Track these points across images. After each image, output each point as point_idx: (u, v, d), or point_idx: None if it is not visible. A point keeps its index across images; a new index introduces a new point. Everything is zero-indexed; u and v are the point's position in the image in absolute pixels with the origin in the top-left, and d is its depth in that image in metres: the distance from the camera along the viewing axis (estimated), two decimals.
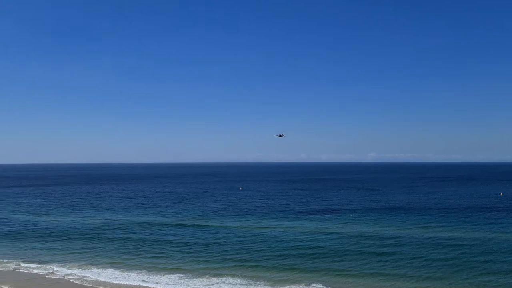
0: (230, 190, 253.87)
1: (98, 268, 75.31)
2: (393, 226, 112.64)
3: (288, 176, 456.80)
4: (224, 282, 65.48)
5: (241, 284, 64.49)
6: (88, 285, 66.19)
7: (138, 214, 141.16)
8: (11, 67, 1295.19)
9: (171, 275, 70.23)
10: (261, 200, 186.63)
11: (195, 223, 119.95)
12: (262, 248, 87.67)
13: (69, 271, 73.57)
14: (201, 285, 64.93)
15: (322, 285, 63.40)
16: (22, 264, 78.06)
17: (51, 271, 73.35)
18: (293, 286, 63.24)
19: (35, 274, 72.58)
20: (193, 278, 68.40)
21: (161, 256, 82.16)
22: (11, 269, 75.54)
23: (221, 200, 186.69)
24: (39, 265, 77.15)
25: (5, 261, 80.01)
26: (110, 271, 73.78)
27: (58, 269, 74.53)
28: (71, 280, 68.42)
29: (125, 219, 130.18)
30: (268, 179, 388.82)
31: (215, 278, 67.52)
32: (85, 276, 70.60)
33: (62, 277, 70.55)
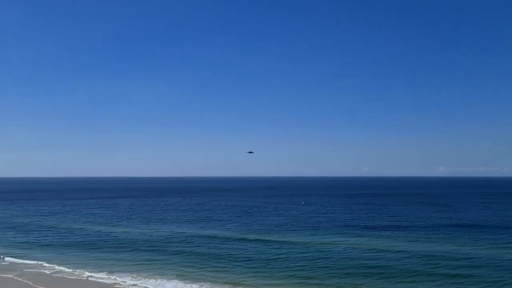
0: (292, 204, 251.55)
1: (163, 279, 77.12)
2: (467, 245, 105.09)
3: (351, 190, 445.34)
4: None
5: None
6: None
7: (202, 227, 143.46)
8: (91, 88, 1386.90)
9: None
10: (324, 215, 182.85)
11: (258, 238, 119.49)
12: (326, 265, 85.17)
13: (135, 282, 75.91)
14: None
15: None
16: (93, 274, 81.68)
17: (119, 281, 76.13)
18: None
19: (104, 283, 75.58)
20: None
21: (224, 271, 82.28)
22: (84, 278, 79.44)
23: (283, 215, 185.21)
24: (108, 275, 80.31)
25: (77, 271, 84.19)
26: (175, 282, 75.26)
27: (126, 279, 77.16)
28: None
29: (190, 231, 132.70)
30: (330, 193, 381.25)
31: None
32: (153, 286, 72.61)
33: (130, 287, 72.90)
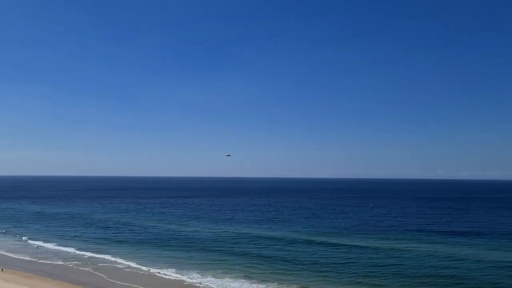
0: (361, 206, 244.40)
1: (230, 278, 77.65)
2: None
3: (424, 193, 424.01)
4: None
5: None
6: None
7: (269, 228, 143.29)
8: (168, 91, 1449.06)
9: None
10: (395, 218, 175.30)
11: (325, 240, 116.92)
12: (398, 272, 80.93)
13: (203, 279, 77.23)
14: None
15: None
16: (163, 270, 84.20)
17: (187, 278, 77.66)
18: None
19: (173, 280, 77.66)
20: None
21: (290, 273, 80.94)
22: (154, 274, 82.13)
23: (352, 217, 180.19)
24: (177, 272, 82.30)
25: (148, 267, 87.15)
26: (241, 282, 75.50)
27: (194, 276, 78.50)
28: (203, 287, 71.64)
29: (257, 232, 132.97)
30: (402, 196, 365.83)
31: None
32: (219, 285, 73.33)
33: (197, 285, 74.20)
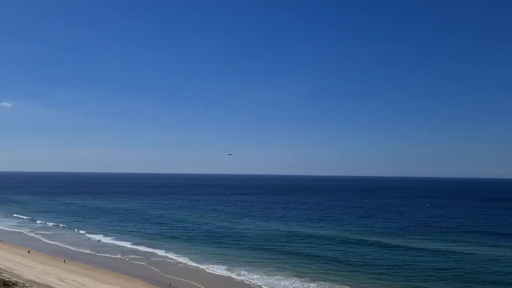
0: (416, 206, 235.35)
1: (281, 276, 76.95)
2: None
3: (485, 193, 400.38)
4: None
5: None
6: None
7: (321, 227, 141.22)
8: (226, 87, 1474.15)
9: None
10: (454, 219, 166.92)
11: (379, 241, 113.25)
12: (458, 276, 76.59)
13: (253, 276, 77.31)
14: None
15: None
16: (214, 266, 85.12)
17: (237, 276, 77.91)
18: None
19: (224, 276, 78.30)
20: None
21: (343, 274, 78.90)
22: (205, 270, 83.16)
23: (407, 217, 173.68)
24: (228, 269, 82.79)
25: (199, 263, 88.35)
26: (292, 280, 74.64)
27: (244, 273, 78.56)
28: (254, 285, 71.63)
29: (309, 231, 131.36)
30: (460, 196, 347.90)
31: None
32: (269, 283, 72.98)
33: (246, 282, 74.26)
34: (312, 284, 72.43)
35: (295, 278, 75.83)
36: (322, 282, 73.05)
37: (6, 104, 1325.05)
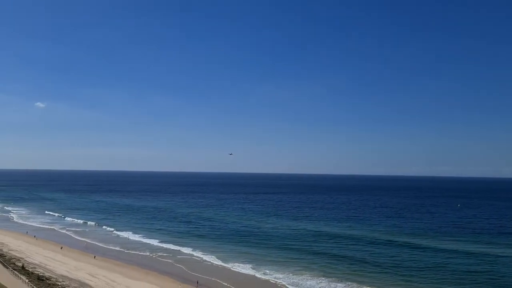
0: (447, 206, 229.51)
1: (309, 276, 76.20)
2: None
3: None
4: None
5: None
6: None
7: (349, 227, 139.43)
8: (246, 87, 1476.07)
9: None
10: (487, 220, 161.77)
11: (408, 241, 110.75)
12: (491, 280, 73.85)
13: (280, 275, 76.93)
14: None
15: None
16: (240, 265, 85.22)
17: (262, 275, 77.55)
18: None
19: (248, 275, 78.34)
20: None
21: (371, 275, 77.32)
22: (231, 268, 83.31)
23: (438, 218, 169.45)
24: (254, 268, 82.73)
25: (226, 261, 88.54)
26: (319, 280, 73.97)
27: (270, 273, 78.08)
28: (279, 285, 71.23)
29: (336, 231, 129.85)
30: (493, 196, 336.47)
31: None
32: (295, 283, 72.45)
33: (272, 281, 73.89)
34: (339, 284, 71.52)
35: (322, 278, 75.08)
36: (349, 283, 72.03)
37: (39, 104, 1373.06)
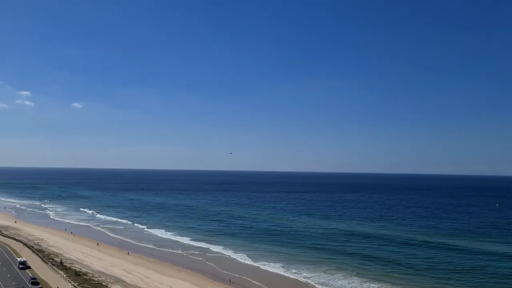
0: (485, 206, 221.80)
1: (339, 277, 75.04)
2: None
3: None
4: None
5: None
6: None
7: (382, 226, 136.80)
8: (272, 85, 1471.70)
9: None
10: None
11: (444, 242, 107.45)
12: None
13: (310, 275, 76.19)
14: None
15: None
16: (270, 264, 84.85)
17: (292, 274, 76.81)
18: None
19: (278, 275, 77.67)
20: None
21: (404, 277, 75.18)
22: (260, 267, 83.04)
23: (476, 218, 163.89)
24: (284, 267, 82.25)
25: (255, 260, 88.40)
26: (351, 280, 72.98)
27: (300, 273, 77.16)
28: (309, 285, 70.53)
29: (369, 230, 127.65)
30: None
31: None
32: (325, 283, 71.50)
33: (304, 280, 73.10)
34: (372, 285, 70.14)
35: (355, 278, 73.85)
36: (382, 284, 70.48)
37: (76, 104, 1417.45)
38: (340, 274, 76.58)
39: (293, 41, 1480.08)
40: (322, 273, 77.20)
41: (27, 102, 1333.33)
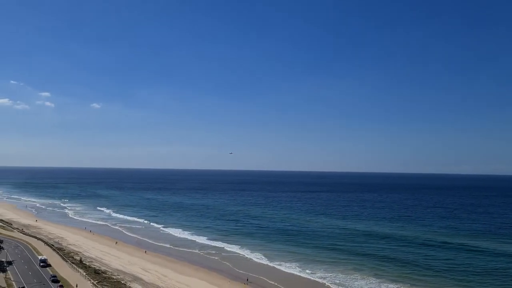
0: (507, 206, 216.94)
1: (356, 277, 74.35)
2: None
3: None
4: None
5: None
6: None
7: (400, 227, 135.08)
8: (292, 85, 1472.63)
9: None
10: None
11: (465, 243, 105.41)
12: None
13: (326, 275, 75.74)
14: None
15: None
16: (286, 264, 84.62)
17: (307, 275, 76.38)
18: None
19: (294, 275, 77.41)
20: None
21: (423, 279, 73.88)
22: (276, 267, 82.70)
23: (497, 218, 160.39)
24: (300, 267, 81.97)
25: (268, 260, 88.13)
26: (368, 281, 72.16)
27: (316, 273, 76.61)
28: (326, 285, 70.02)
29: (387, 231, 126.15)
30: None
31: None
32: (342, 283, 70.86)
33: (321, 281, 72.57)
34: (390, 286, 69.39)
35: (373, 279, 73.03)
36: (401, 285, 69.62)
37: (95, 105, 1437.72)
38: (357, 275, 75.92)
39: (309, 41, 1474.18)
40: (339, 274, 76.67)
41: (48, 103, 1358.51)
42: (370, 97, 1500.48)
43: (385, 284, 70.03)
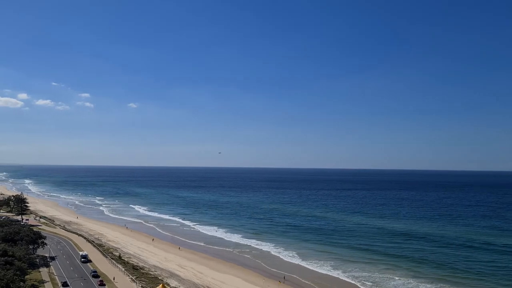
0: None
1: (390, 278, 72.45)
2: None
3: None
4: None
5: None
6: None
7: (441, 226, 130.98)
8: (328, 84, 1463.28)
9: None
10: None
11: (509, 244, 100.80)
12: None
13: (360, 275, 74.46)
14: None
15: None
16: (319, 263, 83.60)
17: (338, 275, 75.08)
18: None
19: (326, 274, 76.52)
20: None
21: (464, 283, 70.97)
22: (307, 266, 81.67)
23: None
24: (332, 266, 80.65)
25: (300, 259, 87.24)
26: (402, 281, 70.23)
27: (348, 273, 75.23)
28: (360, 285, 68.77)
29: (426, 230, 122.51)
30: None
31: None
32: (378, 283, 69.34)
33: (354, 281, 70.93)
34: (428, 285, 67.30)
35: (411, 280, 70.79)
36: (442, 284, 67.64)
37: (132, 105, 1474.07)
38: (392, 276, 73.78)
39: (346, 41, 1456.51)
40: (374, 274, 74.90)
41: (87, 104, 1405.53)
42: (409, 94, 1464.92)
43: (424, 284, 68.20)
